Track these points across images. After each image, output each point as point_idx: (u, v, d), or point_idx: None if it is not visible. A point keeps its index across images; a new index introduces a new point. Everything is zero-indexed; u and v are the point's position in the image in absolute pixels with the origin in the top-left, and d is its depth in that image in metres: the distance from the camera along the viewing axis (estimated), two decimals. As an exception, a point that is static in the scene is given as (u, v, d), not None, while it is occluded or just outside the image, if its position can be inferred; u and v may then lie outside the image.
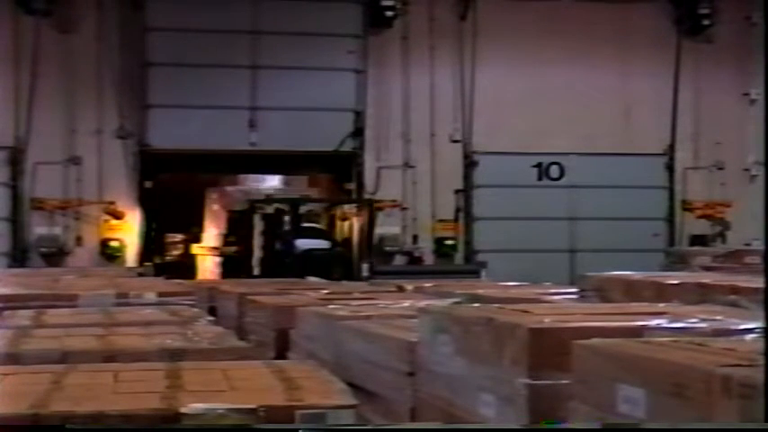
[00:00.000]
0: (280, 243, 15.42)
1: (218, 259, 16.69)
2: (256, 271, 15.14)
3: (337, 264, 14.96)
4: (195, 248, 18.27)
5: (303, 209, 16.22)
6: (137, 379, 3.68)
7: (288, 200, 16.37)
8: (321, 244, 15.65)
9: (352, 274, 14.58)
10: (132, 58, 16.99)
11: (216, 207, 17.76)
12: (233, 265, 15.59)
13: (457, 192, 18.27)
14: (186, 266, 17.52)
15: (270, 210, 15.93)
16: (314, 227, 16.14)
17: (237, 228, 16.41)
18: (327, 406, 3.27)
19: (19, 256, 16.77)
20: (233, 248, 16.26)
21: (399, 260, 17.92)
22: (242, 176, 18.13)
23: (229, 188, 17.89)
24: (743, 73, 18.72)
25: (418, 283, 8.81)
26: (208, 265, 17.43)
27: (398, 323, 5.11)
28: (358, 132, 17.52)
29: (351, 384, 3.86)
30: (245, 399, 3.28)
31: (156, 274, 12.50)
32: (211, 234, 17.70)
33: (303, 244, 15.21)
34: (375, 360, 4.79)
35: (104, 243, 17.10)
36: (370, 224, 15.84)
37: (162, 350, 4.48)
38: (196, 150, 17.03)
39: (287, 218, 15.65)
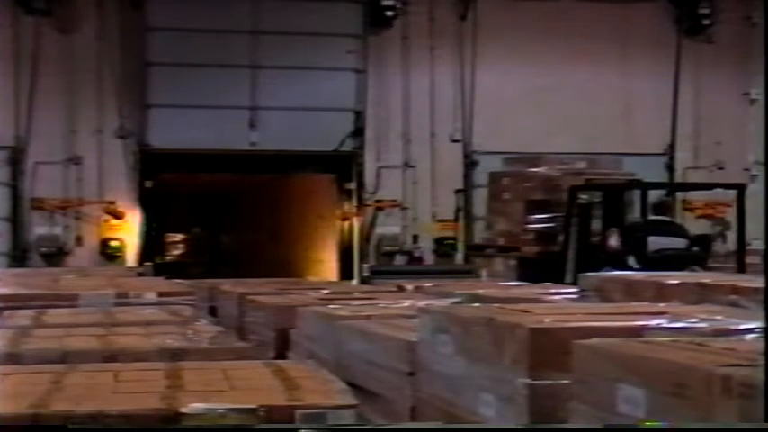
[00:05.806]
0: (620, 238, 12.53)
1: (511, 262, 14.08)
2: (570, 277, 11.96)
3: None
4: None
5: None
6: (137, 379, 3.68)
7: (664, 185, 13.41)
8: (676, 243, 12.71)
9: None
10: (132, 58, 16.96)
11: (508, 195, 14.58)
12: (537, 269, 12.44)
13: (457, 192, 18.26)
14: None
15: (585, 198, 13.18)
16: (666, 220, 13.31)
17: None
18: (327, 406, 3.27)
19: (19, 256, 16.75)
20: (536, 248, 13.60)
21: (399, 260, 17.92)
22: (542, 157, 14.61)
23: (528, 171, 14.31)
24: (743, 73, 18.71)
25: (418, 283, 8.81)
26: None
27: (398, 323, 5.11)
28: (358, 132, 17.51)
29: (351, 384, 3.86)
30: (245, 399, 3.28)
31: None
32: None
33: (656, 243, 12.26)
34: (375, 360, 4.80)
35: (104, 243, 17.07)
36: (741, 216, 12.93)
37: (162, 350, 4.49)
38: (196, 150, 17.02)
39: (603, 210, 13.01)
